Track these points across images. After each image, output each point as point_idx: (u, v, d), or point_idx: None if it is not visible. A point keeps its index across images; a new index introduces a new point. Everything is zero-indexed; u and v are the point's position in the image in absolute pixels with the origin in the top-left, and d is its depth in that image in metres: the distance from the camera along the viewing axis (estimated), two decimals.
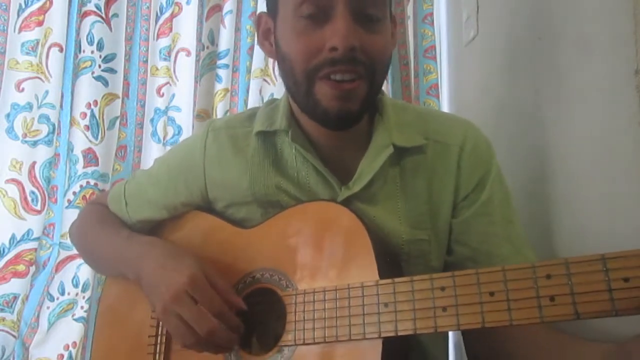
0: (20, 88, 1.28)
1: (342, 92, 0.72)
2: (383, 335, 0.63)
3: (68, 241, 1.31)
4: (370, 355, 0.63)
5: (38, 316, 1.27)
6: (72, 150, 1.33)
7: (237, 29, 1.49)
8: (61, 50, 1.32)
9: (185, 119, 1.45)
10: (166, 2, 1.46)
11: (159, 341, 0.83)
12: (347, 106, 0.73)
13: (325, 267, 0.71)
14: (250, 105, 1.48)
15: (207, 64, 1.46)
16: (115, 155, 1.39)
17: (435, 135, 0.82)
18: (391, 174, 0.80)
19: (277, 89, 1.52)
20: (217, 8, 1.48)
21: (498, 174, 0.82)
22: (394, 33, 0.82)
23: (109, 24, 1.38)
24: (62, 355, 1.28)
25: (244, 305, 0.73)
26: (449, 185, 0.80)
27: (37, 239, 1.27)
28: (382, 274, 0.66)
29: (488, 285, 0.58)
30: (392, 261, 0.74)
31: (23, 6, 1.30)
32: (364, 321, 0.64)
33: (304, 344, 0.68)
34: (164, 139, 1.44)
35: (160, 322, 0.83)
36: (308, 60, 0.72)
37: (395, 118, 0.82)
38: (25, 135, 1.28)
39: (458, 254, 0.80)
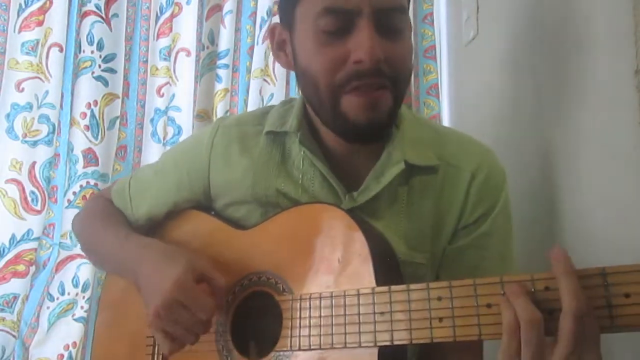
0: (20, 88, 1.28)
1: (370, 100, 0.71)
2: (379, 344, 0.62)
3: (68, 241, 1.31)
4: None
5: (38, 316, 1.27)
6: (72, 150, 1.33)
7: (237, 29, 1.49)
8: (61, 50, 1.31)
9: (185, 119, 1.45)
10: (166, 2, 1.46)
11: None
12: (375, 116, 0.72)
13: (322, 272, 0.70)
14: (250, 105, 1.48)
15: (207, 64, 1.46)
16: (115, 155, 1.39)
17: (450, 158, 0.79)
18: (399, 192, 0.78)
19: (277, 89, 1.52)
20: (217, 8, 1.48)
21: (504, 208, 0.79)
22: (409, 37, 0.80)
23: (109, 24, 1.38)
24: (62, 355, 1.27)
25: (222, 283, 0.73)
26: (454, 210, 0.78)
27: (37, 239, 1.27)
28: (380, 277, 0.65)
29: (485, 297, 0.56)
30: (391, 263, 0.73)
31: (23, 6, 1.30)
32: (359, 329, 0.63)
33: (299, 349, 0.68)
34: (164, 139, 1.44)
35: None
36: (332, 74, 0.71)
37: (412, 133, 0.80)
38: (25, 135, 1.28)
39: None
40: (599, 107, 0.79)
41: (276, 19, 0.85)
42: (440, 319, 0.58)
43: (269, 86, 1.52)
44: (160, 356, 0.81)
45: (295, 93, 1.52)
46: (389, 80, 0.71)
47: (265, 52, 1.52)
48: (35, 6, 1.30)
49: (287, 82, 1.53)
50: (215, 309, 0.71)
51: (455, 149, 0.81)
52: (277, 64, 1.52)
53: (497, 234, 0.78)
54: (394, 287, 0.62)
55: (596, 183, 0.80)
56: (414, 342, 0.60)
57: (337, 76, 0.70)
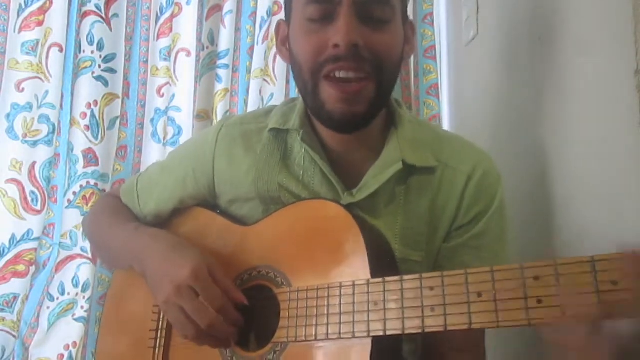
0: (20, 88, 1.28)
1: (347, 95, 0.73)
2: (372, 334, 0.63)
3: (68, 241, 1.31)
4: (360, 355, 0.64)
5: (38, 316, 1.27)
6: (72, 150, 1.33)
7: (237, 29, 1.49)
8: (61, 50, 1.31)
9: (185, 119, 1.45)
10: (166, 3, 1.46)
11: (159, 335, 0.84)
12: (352, 109, 0.74)
13: (319, 265, 0.71)
14: (250, 105, 1.48)
15: (207, 64, 1.46)
16: (116, 155, 1.39)
17: (447, 159, 0.81)
18: (397, 191, 0.80)
19: (277, 89, 1.52)
20: (217, 8, 1.48)
21: (499, 209, 0.81)
22: (409, 38, 0.82)
23: (109, 24, 1.38)
24: (62, 355, 1.27)
25: (245, 300, 0.74)
26: (450, 210, 0.80)
27: (37, 239, 1.27)
28: (376, 273, 0.66)
29: (476, 285, 0.58)
30: (388, 259, 0.74)
31: (23, 6, 1.30)
32: (353, 319, 0.65)
33: (296, 341, 0.69)
34: (164, 139, 1.44)
35: (162, 314, 0.84)
36: (313, 58, 0.74)
37: (411, 135, 0.82)
38: (25, 135, 1.28)
39: None
40: (599, 107, 0.79)
41: (277, 19, 0.87)
42: (432, 308, 0.60)
43: (269, 86, 1.52)
44: (162, 349, 0.83)
45: (295, 93, 1.52)
46: (371, 66, 0.73)
47: (265, 52, 1.52)
48: (35, 6, 1.30)
49: (287, 82, 1.53)
50: (226, 303, 0.72)
51: (453, 151, 0.83)
52: (277, 64, 1.53)
53: (491, 235, 0.80)
54: (388, 278, 0.64)
55: (596, 183, 0.80)
56: (406, 331, 0.61)
57: (317, 61, 0.74)
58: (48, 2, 1.31)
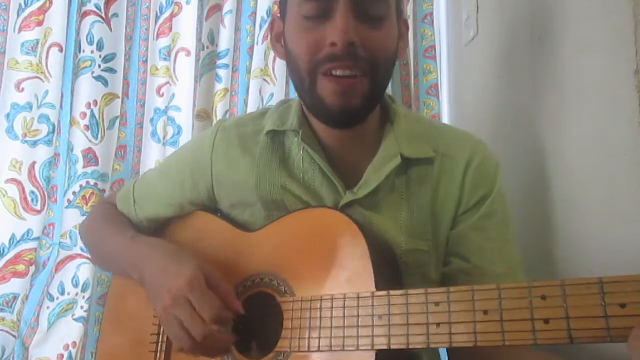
0: (20, 88, 1.28)
1: (343, 87, 0.73)
2: (376, 347, 0.62)
3: (68, 241, 1.31)
4: None
5: (38, 316, 1.27)
6: (72, 150, 1.33)
7: (237, 29, 1.49)
8: (61, 50, 1.31)
9: (185, 119, 1.44)
10: (166, 2, 1.45)
11: (161, 339, 0.84)
12: (349, 102, 0.74)
13: (322, 275, 0.70)
14: (250, 105, 1.48)
15: (207, 64, 1.46)
16: (116, 155, 1.39)
17: (445, 149, 0.82)
18: (397, 184, 0.80)
19: (277, 89, 1.52)
20: (217, 8, 1.48)
21: (500, 194, 0.82)
22: (403, 34, 0.83)
23: (109, 24, 1.38)
24: (62, 355, 1.27)
25: (242, 310, 0.74)
26: (452, 198, 0.81)
27: (37, 239, 1.27)
28: (380, 284, 0.66)
29: (482, 302, 0.57)
30: (392, 269, 0.74)
31: (23, 6, 1.29)
32: (358, 333, 0.64)
33: (299, 351, 0.68)
34: (164, 139, 1.44)
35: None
36: (310, 56, 0.74)
37: (407, 129, 0.82)
38: (25, 135, 1.27)
39: (454, 265, 0.80)
40: (599, 107, 0.78)
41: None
42: (438, 325, 0.59)
43: (269, 86, 1.52)
44: (163, 354, 0.82)
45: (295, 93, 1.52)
46: (367, 64, 0.73)
47: (265, 52, 1.52)
48: (35, 6, 1.30)
49: (287, 82, 1.53)
50: (222, 313, 0.71)
51: (449, 140, 0.84)
52: (277, 64, 1.53)
53: (496, 217, 0.81)
54: (393, 292, 0.63)
55: (595, 183, 0.80)
56: (410, 346, 0.60)
57: (314, 58, 0.74)
58: (48, 2, 1.31)
